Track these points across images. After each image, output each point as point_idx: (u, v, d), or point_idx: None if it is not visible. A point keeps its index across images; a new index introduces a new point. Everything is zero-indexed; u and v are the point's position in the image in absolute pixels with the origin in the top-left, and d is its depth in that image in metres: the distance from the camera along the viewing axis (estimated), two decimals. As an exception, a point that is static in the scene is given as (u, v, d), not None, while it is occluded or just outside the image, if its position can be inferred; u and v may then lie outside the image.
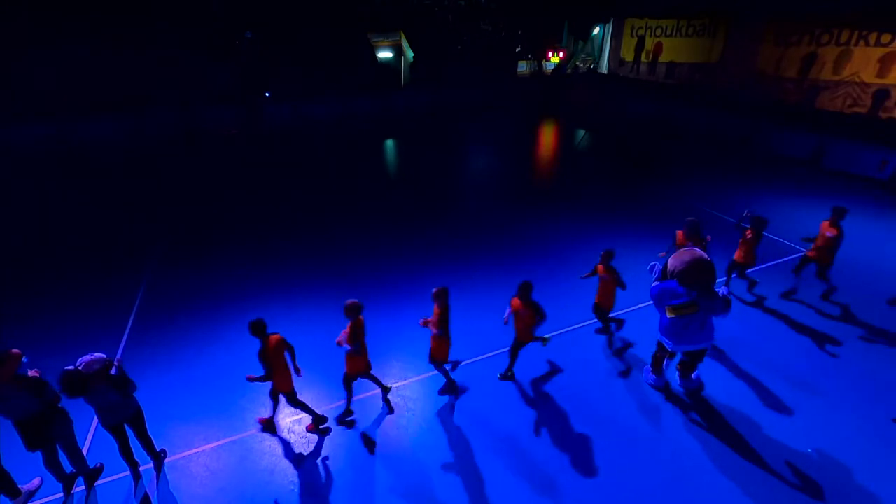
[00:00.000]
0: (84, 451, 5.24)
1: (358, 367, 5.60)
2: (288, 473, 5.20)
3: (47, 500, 4.92)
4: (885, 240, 10.35)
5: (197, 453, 5.34)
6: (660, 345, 6.03)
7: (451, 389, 6.30)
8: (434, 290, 5.63)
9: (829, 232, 7.44)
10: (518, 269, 9.10)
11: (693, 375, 6.21)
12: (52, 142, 17.76)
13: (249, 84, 21.74)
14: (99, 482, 5.07)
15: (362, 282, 8.84)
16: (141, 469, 5.15)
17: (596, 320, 7.32)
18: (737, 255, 7.98)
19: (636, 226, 10.92)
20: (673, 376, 6.37)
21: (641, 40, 24.60)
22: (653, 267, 5.91)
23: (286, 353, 5.21)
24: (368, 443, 5.56)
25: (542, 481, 5.08)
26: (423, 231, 11.09)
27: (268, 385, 5.36)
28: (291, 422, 5.84)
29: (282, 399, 5.45)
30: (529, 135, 21.06)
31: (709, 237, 7.24)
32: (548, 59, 27.82)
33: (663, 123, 20.48)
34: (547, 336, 6.51)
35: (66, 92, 18.67)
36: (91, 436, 5.58)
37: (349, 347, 5.36)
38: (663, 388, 6.29)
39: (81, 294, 8.55)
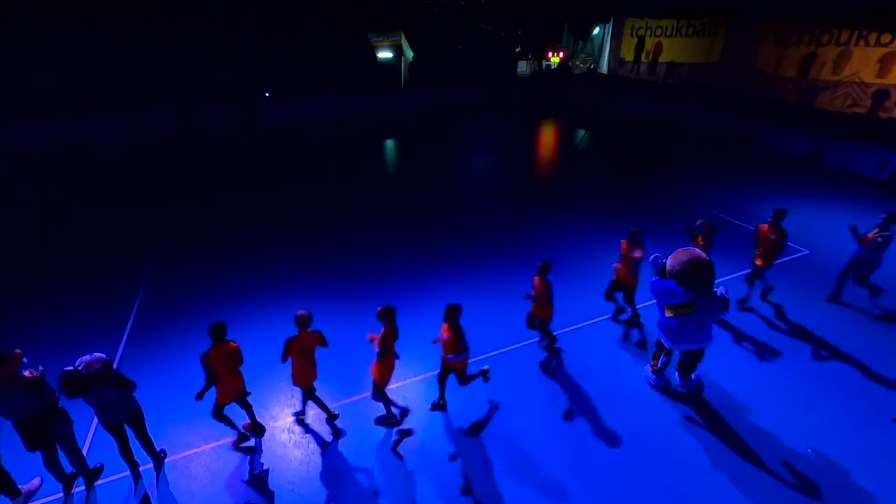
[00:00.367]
0: (84, 451, 5.24)
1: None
2: (287, 473, 5.20)
3: (47, 500, 4.92)
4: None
5: (197, 453, 5.34)
6: (659, 343, 6.04)
7: (389, 420, 5.78)
8: (379, 308, 5.24)
9: (772, 234, 7.35)
10: (518, 269, 9.10)
11: (693, 375, 6.21)
12: (52, 142, 17.76)
13: (249, 84, 21.73)
14: (99, 482, 5.07)
15: (362, 282, 8.84)
16: (141, 469, 5.16)
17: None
18: None
19: (636, 226, 10.90)
20: (673, 376, 6.37)
21: (641, 40, 24.60)
22: (655, 259, 5.90)
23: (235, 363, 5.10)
24: (368, 443, 5.56)
25: (542, 481, 5.08)
26: (423, 231, 11.09)
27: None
28: (291, 422, 5.84)
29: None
30: (529, 135, 21.05)
31: (639, 253, 6.85)
32: (548, 59, 27.80)
33: (663, 123, 20.49)
34: (486, 368, 5.95)
35: (66, 92, 18.67)
36: (91, 436, 5.58)
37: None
38: (663, 387, 6.30)
39: (81, 294, 8.55)
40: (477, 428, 5.77)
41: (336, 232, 10.99)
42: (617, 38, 26.33)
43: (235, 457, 5.39)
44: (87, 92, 18.92)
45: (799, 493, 4.90)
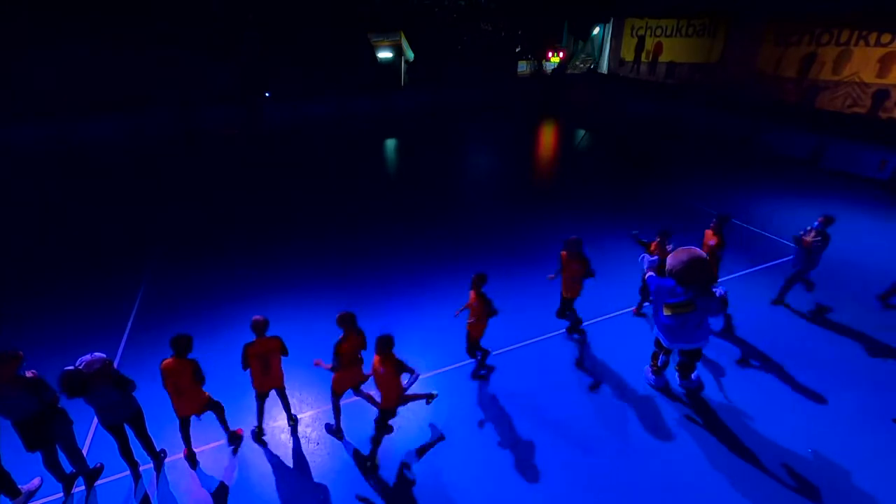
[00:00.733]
0: (84, 451, 5.23)
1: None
2: (287, 473, 5.20)
3: (47, 500, 4.92)
4: (884, 240, 10.35)
5: (197, 453, 5.34)
6: (658, 342, 6.05)
7: (337, 433, 5.61)
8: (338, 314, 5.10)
9: (711, 240, 7.19)
10: (518, 269, 9.11)
11: (693, 376, 6.21)
12: (52, 142, 17.76)
13: (249, 84, 21.73)
14: (99, 482, 5.07)
15: (362, 282, 8.84)
16: (141, 469, 5.16)
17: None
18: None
19: (636, 226, 10.91)
20: (673, 376, 6.37)
21: (641, 40, 24.59)
22: (643, 258, 5.91)
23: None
24: (367, 443, 5.55)
25: (541, 481, 5.08)
26: (423, 231, 11.09)
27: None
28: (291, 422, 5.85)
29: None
30: (529, 135, 21.05)
31: (577, 266, 6.52)
32: (548, 59, 27.80)
33: (663, 123, 20.48)
34: (433, 393, 5.56)
35: (66, 92, 18.66)
36: (91, 436, 5.58)
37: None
38: (663, 387, 6.30)
39: (81, 294, 8.55)
40: (477, 428, 5.77)
41: (336, 232, 10.99)
42: (617, 38, 26.33)
43: (235, 457, 5.39)
44: (87, 92, 18.91)
45: (799, 494, 4.90)
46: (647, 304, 7.66)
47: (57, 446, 4.75)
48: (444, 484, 5.07)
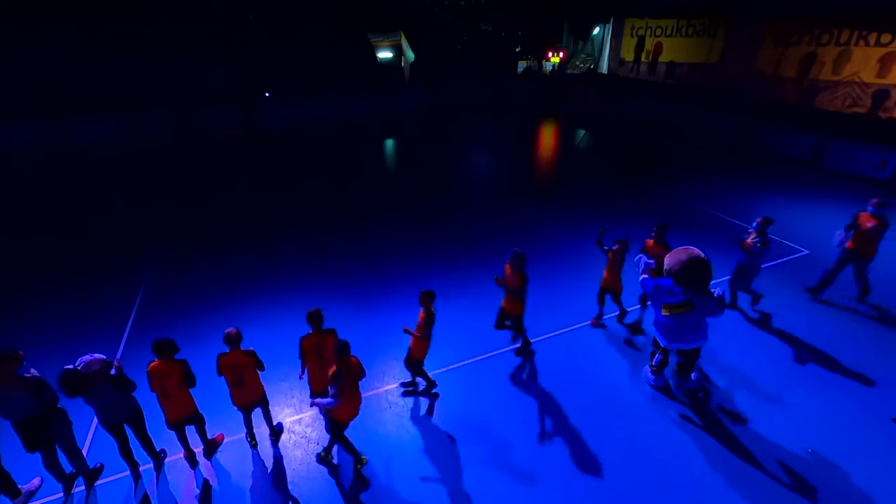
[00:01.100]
0: (84, 451, 5.24)
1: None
2: (287, 473, 5.21)
3: (47, 500, 4.93)
4: (884, 240, 10.32)
5: (197, 453, 5.34)
6: (656, 342, 6.05)
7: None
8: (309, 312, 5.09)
9: (658, 250, 6.81)
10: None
11: (692, 376, 6.21)
12: (53, 142, 17.76)
13: (249, 84, 21.74)
14: (99, 482, 5.08)
15: (362, 281, 8.84)
16: (141, 469, 5.16)
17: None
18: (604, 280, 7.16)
19: (636, 226, 10.92)
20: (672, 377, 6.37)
21: (641, 40, 24.58)
22: (639, 259, 5.90)
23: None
24: (369, 443, 5.56)
25: (540, 481, 5.09)
26: (423, 231, 11.10)
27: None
28: (291, 422, 5.85)
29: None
30: (530, 135, 21.06)
31: (519, 280, 6.20)
32: (548, 59, 27.80)
33: (663, 123, 20.49)
34: (363, 458, 5.21)
35: (66, 92, 18.66)
36: (91, 436, 5.58)
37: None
38: (663, 387, 6.30)
39: (81, 294, 8.55)
40: (477, 429, 5.77)
41: (336, 232, 10.99)
42: (617, 38, 26.32)
43: (235, 457, 5.39)
44: (87, 92, 18.91)
45: (798, 495, 4.90)
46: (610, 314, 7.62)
47: (57, 446, 4.76)
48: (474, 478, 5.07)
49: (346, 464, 5.30)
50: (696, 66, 21.62)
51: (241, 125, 20.64)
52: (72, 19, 18.76)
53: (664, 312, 5.49)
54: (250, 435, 5.49)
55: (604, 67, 27.68)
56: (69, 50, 18.75)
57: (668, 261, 5.42)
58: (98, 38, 19.13)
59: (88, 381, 4.43)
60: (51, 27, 18.57)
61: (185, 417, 4.99)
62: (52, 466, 4.78)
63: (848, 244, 7.51)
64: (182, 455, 5.26)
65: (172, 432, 5.05)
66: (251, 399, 5.18)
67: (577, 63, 30.25)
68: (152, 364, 4.73)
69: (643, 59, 24.72)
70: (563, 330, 7.47)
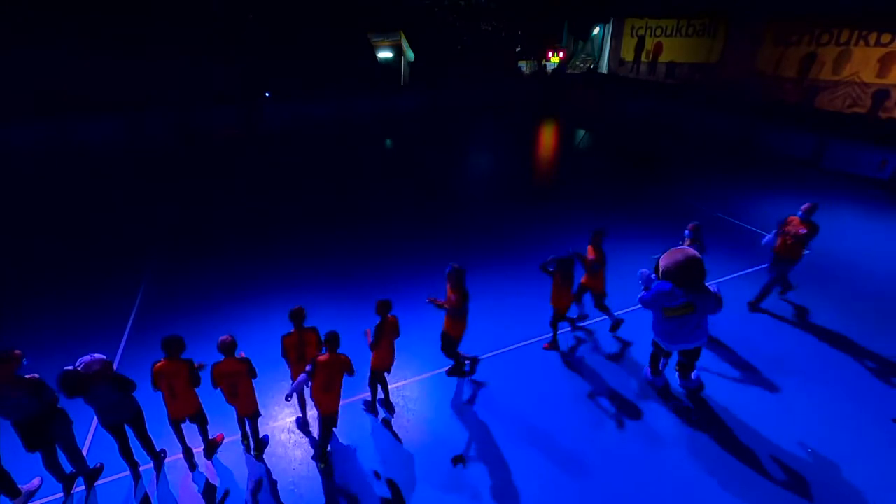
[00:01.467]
0: (84, 451, 5.23)
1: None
2: (288, 473, 5.21)
3: (47, 500, 4.93)
4: (884, 240, 10.35)
5: (197, 453, 5.34)
6: (656, 345, 6.05)
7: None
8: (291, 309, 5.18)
9: (592, 255, 6.98)
10: (518, 269, 9.10)
11: (693, 375, 6.21)
12: (53, 142, 17.75)
13: (249, 84, 21.73)
14: (99, 482, 5.07)
15: (362, 281, 8.84)
16: (141, 469, 5.16)
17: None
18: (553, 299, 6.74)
19: (636, 226, 10.93)
20: (673, 376, 6.37)
21: (641, 40, 24.58)
22: (642, 274, 5.85)
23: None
24: (369, 443, 5.56)
25: (539, 481, 5.09)
26: (423, 231, 11.10)
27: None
28: (291, 422, 5.85)
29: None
30: (530, 135, 21.06)
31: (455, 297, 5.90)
32: (548, 59, 27.81)
33: (663, 123, 20.49)
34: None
35: (66, 92, 18.65)
36: (91, 436, 5.58)
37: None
38: (663, 387, 6.30)
39: (81, 294, 8.55)
40: (478, 429, 5.77)
41: (336, 231, 10.99)
42: (617, 38, 26.32)
43: (235, 457, 5.39)
44: (87, 92, 18.90)
45: (798, 495, 4.90)
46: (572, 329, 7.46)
47: (57, 446, 4.75)
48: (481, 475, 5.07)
49: (346, 464, 5.30)
50: (696, 66, 21.62)
51: (241, 125, 20.64)
52: (72, 19, 18.75)
53: (667, 315, 5.49)
54: (244, 437, 5.49)
55: (604, 67, 27.68)
56: (69, 50, 18.73)
57: (665, 261, 5.46)
58: (98, 38, 19.11)
59: (88, 382, 4.43)
60: (51, 27, 18.56)
61: (189, 416, 5.02)
62: (52, 466, 4.78)
63: (778, 247, 7.48)
64: (181, 455, 5.26)
65: (172, 432, 5.06)
66: (243, 414, 5.20)
67: (577, 63, 30.25)
68: (158, 364, 4.74)
69: (643, 59, 24.72)
70: (563, 331, 7.46)
